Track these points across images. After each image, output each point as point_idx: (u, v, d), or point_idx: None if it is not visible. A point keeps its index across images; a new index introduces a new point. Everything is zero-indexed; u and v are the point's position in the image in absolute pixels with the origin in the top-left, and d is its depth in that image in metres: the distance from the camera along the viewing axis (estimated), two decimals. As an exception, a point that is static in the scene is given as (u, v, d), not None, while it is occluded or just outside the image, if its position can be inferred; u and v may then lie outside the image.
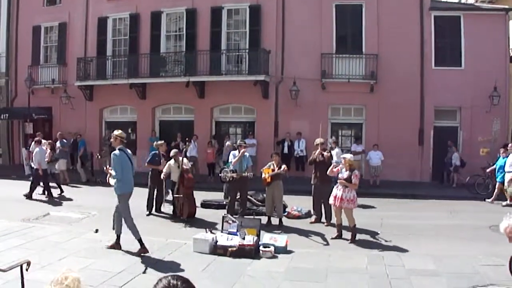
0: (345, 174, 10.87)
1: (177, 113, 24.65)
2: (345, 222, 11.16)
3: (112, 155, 9.66)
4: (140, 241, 9.49)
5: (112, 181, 9.60)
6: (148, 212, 14.05)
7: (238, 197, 13.13)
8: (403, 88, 20.58)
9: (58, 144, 19.73)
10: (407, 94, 20.65)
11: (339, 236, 11.07)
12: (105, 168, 10.29)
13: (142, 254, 9.28)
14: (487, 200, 16.56)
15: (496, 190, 16.56)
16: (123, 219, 9.69)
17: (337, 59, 21.50)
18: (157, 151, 14.46)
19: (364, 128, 21.98)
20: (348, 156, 11.27)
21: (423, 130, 20.93)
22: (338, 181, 10.95)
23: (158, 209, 14.28)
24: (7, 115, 25.62)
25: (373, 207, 15.70)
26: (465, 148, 20.33)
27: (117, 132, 9.83)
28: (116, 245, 9.72)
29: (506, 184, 16.04)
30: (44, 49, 26.63)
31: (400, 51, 20.63)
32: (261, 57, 21.50)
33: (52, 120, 25.92)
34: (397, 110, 20.56)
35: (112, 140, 10.04)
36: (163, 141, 15.15)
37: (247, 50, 22.39)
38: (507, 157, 16.24)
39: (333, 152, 15.96)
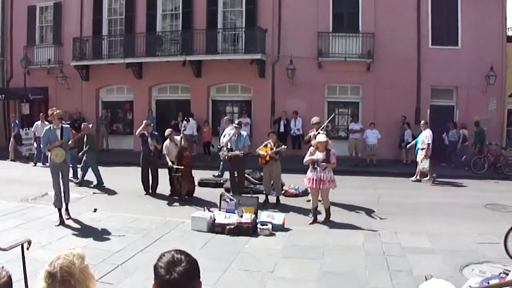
0: (320, 155, 10.42)
1: (173, 92, 24.60)
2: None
3: (68, 129, 10.63)
4: (67, 205, 10.61)
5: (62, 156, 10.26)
6: (145, 192, 14.11)
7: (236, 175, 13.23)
8: (399, 67, 20.53)
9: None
10: (403, 73, 20.61)
11: (315, 220, 10.74)
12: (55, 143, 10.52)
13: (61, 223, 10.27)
14: (411, 178, 16.67)
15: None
16: (64, 186, 10.54)
17: (333, 38, 21.43)
18: (145, 132, 14.37)
19: (360, 107, 21.98)
20: (322, 138, 10.63)
21: (420, 109, 20.94)
22: (319, 164, 10.37)
23: (154, 192, 14.22)
24: (3, 95, 25.46)
25: (369, 185, 15.81)
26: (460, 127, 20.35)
27: (58, 111, 10.48)
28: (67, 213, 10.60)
29: (418, 159, 16.41)
30: (40, 29, 26.41)
31: (396, 30, 20.55)
32: (258, 35, 21.43)
33: (48, 101, 25.75)
34: (393, 89, 20.55)
35: (53, 119, 10.47)
36: (147, 121, 14.98)
37: (243, 29, 22.34)
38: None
39: (227, 129, 15.61)
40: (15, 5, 26.41)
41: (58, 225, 10.13)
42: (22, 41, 25.90)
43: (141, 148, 14.45)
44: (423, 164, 16.17)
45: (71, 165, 12.04)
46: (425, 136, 16.19)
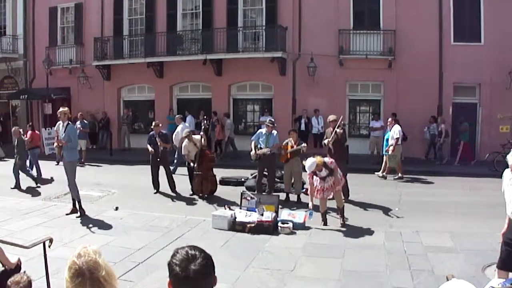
0: (323, 172, 9.98)
1: (194, 91, 24.68)
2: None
3: (70, 127, 10.92)
4: (79, 202, 10.99)
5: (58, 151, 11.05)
6: (155, 191, 14.17)
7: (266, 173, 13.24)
8: (421, 64, 20.29)
9: (78, 124, 19.74)
10: (425, 70, 20.36)
11: (326, 224, 10.30)
12: (55, 143, 11.37)
13: (71, 214, 10.88)
14: (376, 173, 16.71)
15: (384, 163, 16.76)
16: (69, 183, 11.03)
17: (354, 35, 21.31)
18: (153, 132, 14.30)
19: (382, 104, 21.80)
20: (309, 168, 9.86)
21: (442, 107, 20.70)
22: (332, 181, 10.03)
23: (173, 189, 14.28)
24: (26, 96, 25.88)
25: (390, 183, 15.72)
26: (484, 125, 20.09)
27: (63, 109, 11.05)
28: (75, 209, 11.02)
29: (386, 156, 16.42)
30: (61, 30, 26.70)
31: (418, 27, 20.29)
32: (278, 33, 21.38)
33: (70, 100, 26.05)
34: (415, 86, 20.30)
35: (60, 116, 10.98)
36: (157, 121, 15.06)
37: (263, 27, 22.31)
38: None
39: (179, 127, 15.11)
40: (37, 7, 26.75)
41: (68, 214, 10.85)
42: (44, 42, 26.26)
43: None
44: (392, 160, 16.18)
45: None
46: (394, 132, 16.17)
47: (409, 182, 16.01)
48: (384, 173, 16.62)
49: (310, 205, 10.09)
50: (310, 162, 9.80)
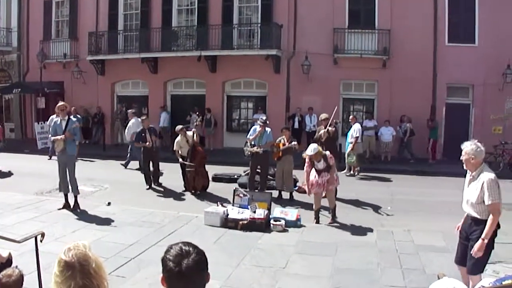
0: (321, 164, 10.00)
1: (188, 87, 24.62)
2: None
3: (73, 121, 11.07)
4: (75, 196, 11.01)
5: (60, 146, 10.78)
6: (147, 187, 14.16)
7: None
8: (415, 64, 20.33)
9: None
10: (419, 70, 20.41)
11: (318, 222, 10.32)
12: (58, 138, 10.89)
13: (63, 208, 10.88)
14: (343, 173, 16.55)
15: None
16: (70, 178, 11.01)
17: (349, 34, 21.30)
18: (143, 127, 14.35)
19: (376, 103, 21.84)
20: (310, 152, 9.89)
21: (435, 107, 20.76)
22: (327, 178, 9.98)
23: (156, 183, 14.35)
24: (19, 89, 25.73)
25: (383, 182, 15.76)
26: (476, 126, 20.13)
27: (62, 103, 11.13)
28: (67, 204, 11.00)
29: (346, 153, 16.49)
30: (56, 23, 26.59)
31: (413, 27, 20.33)
32: (273, 31, 21.37)
33: (64, 95, 25.89)
34: (409, 86, 20.35)
35: (64, 110, 10.98)
36: (146, 117, 15.06)
37: (259, 24, 22.26)
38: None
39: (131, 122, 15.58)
40: (31, 0, 26.63)
41: (60, 209, 10.82)
42: (38, 36, 26.17)
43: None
44: (350, 158, 16.30)
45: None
46: (354, 130, 16.38)
47: (401, 181, 16.06)
48: (352, 172, 16.79)
49: (308, 190, 10.28)
50: (312, 147, 9.96)
